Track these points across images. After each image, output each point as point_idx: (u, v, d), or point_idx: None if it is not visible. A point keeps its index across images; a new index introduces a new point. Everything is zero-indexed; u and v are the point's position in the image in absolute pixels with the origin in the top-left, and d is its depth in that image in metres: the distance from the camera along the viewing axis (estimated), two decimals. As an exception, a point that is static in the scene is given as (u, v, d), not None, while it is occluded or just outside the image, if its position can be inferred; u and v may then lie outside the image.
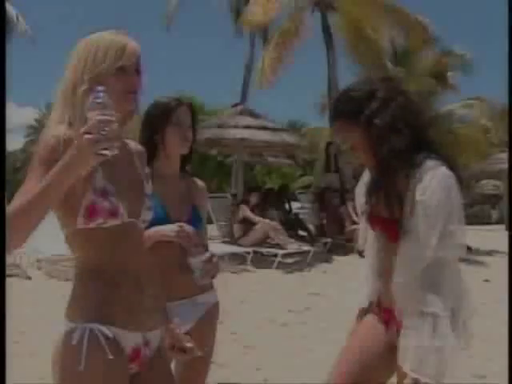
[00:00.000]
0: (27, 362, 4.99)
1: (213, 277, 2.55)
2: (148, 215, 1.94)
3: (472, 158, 20.89)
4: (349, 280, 8.11)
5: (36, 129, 45.81)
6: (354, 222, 13.18)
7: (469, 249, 14.70)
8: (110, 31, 1.89)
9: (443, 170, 2.10)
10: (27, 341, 5.68)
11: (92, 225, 1.78)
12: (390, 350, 2.23)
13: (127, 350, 1.83)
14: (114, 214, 1.80)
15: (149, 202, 1.95)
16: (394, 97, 2.19)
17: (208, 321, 2.71)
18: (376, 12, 16.41)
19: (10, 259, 8.42)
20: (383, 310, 2.39)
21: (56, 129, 1.79)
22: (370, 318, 2.44)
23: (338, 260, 11.70)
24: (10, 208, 1.63)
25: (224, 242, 11.40)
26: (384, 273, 2.32)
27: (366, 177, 2.47)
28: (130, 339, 1.84)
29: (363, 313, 2.51)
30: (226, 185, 20.98)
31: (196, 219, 2.67)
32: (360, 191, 2.48)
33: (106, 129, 1.56)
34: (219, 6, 24.92)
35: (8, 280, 8.61)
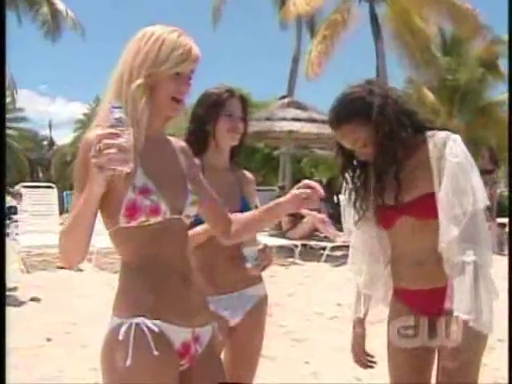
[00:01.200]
0: (78, 353, 5.09)
1: (265, 267, 2.55)
2: (192, 210, 1.92)
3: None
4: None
5: (85, 123, 46.76)
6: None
7: None
8: (175, 29, 1.85)
9: (456, 136, 2.25)
10: (79, 332, 5.79)
11: (134, 223, 1.77)
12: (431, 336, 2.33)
13: (176, 346, 1.82)
14: (155, 211, 1.78)
15: (192, 197, 1.92)
16: (386, 91, 2.31)
17: (257, 314, 2.70)
18: (423, 1, 16.15)
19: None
20: (406, 293, 2.40)
21: (93, 130, 1.76)
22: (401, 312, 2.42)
23: (387, 253, 11.55)
24: (61, 229, 1.72)
25: (272, 235, 11.40)
26: (402, 256, 2.37)
27: (349, 174, 2.54)
28: (178, 335, 1.83)
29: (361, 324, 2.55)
30: (273, 177, 20.94)
31: (245, 211, 2.66)
32: (349, 189, 2.53)
33: (106, 142, 1.56)
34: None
35: (59, 272, 8.86)
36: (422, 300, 2.35)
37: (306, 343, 5.61)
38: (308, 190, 2.03)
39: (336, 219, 12.85)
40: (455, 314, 2.12)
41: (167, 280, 1.83)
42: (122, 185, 1.73)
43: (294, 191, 2.05)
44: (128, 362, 1.71)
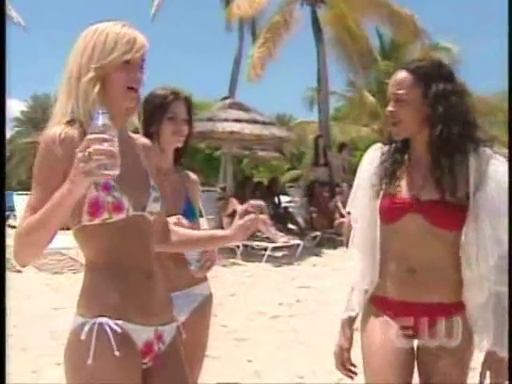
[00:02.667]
0: (19, 356, 4.98)
1: (209, 268, 2.57)
2: (156, 207, 1.93)
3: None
4: (338, 273, 8.16)
5: (22, 121, 45.51)
6: (343, 216, 13.25)
7: None
8: (117, 22, 1.87)
9: (504, 158, 2.18)
10: (19, 334, 5.66)
11: (97, 220, 1.77)
12: (411, 348, 2.26)
13: (139, 345, 1.82)
14: (118, 208, 1.79)
15: (156, 193, 1.93)
16: (462, 89, 2.25)
17: (202, 312, 2.72)
18: (363, 6, 16.45)
19: (-1, 253, 8.38)
20: (391, 303, 2.26)
21: (54, 127, 1.79)
22: (379, 328, 2.27)
23: (328, 253, 11.73)
24: (21, 226, 1.69)
25: (213, 236, 11.38)
26: (395, 258, 2.25)
27: (375, 155, 2.38)
28: (141, 334, 1.83)
29: (351, 323, 2.39)
30: (214, 178, 20.94)
31: (190, 212, 2.68)
32: (370, 171, 2.35)
33: (96, 147, 1.55)
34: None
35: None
36: (406, 313, 2.22)
37: (249, 342, 5.64)
38: (252, 216, 2.08)
39: (277, 220, 12.98)
40: (486, 345, 2.13)
41: (131, 278, 1.83)
42: None
43: (239, 223, 2.10)
44: (89, 362, 1.71)
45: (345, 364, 2.36)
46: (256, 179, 17.50)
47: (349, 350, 2.36)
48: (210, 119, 13.09)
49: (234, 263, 10.53)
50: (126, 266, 1.83)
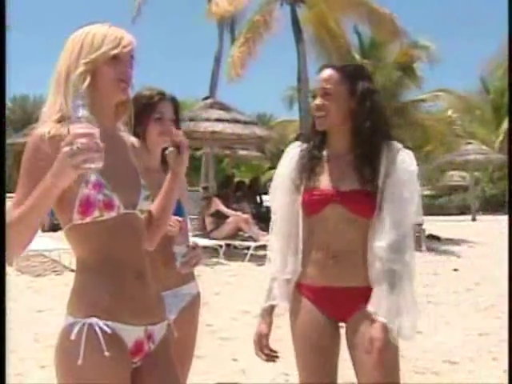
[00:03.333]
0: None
1: (195, 265, 2.58)
2: (146, 205, 1.94)
3: (438, 149, 21.20)
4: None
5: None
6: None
7: (437, 239, 14.96)
8: (103, 24, 1.90)
9: (409, 151, 2.41)
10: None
11: (88, 219, 1.78)
12: (335, 332, 2.42)
13: (129, 345, 1.83)
14: (108, 206, 1.80)
15: (146, 191, 1.94)
16: (378, 90, 2.52)
17: (191, 311, 2.73)
18: (342, 5, 16.52)
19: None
20: (319, 290, 2.40)
21: (42, 126, 1.80)
22: (306, 309, 2.43)
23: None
24: (8, 219, 1.69)
25: (196, 236, 11.39)
26: (318, 247, 2.39)
27: (295, 151, 2.54)
28: (131, 333, 1.84)
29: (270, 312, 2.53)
30: (196, 178, 20.91)
31: (178, 211, 2.68)
32: (290, 167, 2.51)
33: (83, 141, 1.56)
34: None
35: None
36: (329, 298, 2.37)
37: (234, 341, 5.66)
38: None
39: (259, 219, 13.05)
40: (377, 316, 2.22)
41: (121, 278, 1.84)
42: (75, 181, 1.72)
43: None
44: (79, 362, 1.72)
45: (263, 349, 2.49)
46: (237, 179, 17.54)
47: (267, 335, 2.50)
48: (191, 119, 13.10)
49: (217, 262, 10.55)
50: (116, 264, 1.84)
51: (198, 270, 2.79)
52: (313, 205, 2.41)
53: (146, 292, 1.89)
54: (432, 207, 24.32)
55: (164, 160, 2.75)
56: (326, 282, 2.38)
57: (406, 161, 2.35)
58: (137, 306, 1.85)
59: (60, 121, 1.81)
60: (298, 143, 2.57)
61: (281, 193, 2.51)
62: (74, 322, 1.78)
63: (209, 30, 22.66)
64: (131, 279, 1.86)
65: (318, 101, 2.39)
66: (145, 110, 2.62)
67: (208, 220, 11.62)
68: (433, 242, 14.13)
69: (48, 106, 1.86)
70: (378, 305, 2.24)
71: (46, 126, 1.80)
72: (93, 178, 1.78)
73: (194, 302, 2.76)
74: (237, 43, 16.44)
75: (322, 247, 2.39)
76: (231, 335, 5.86)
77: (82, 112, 1.62)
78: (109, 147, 1.68)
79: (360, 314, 2.30)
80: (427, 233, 13.73)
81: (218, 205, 11.46)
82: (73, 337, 1.75)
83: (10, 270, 9.11)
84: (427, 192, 29.14)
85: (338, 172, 2.40)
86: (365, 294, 2.29)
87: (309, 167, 2.43)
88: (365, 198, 2.32)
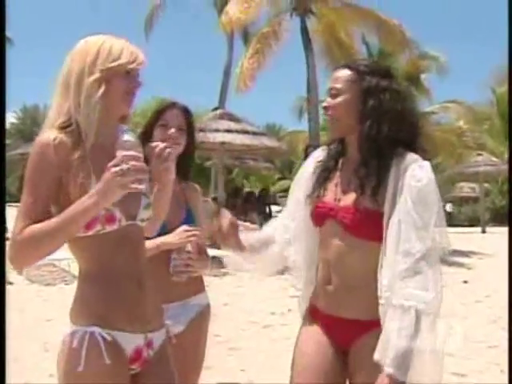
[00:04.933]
0: (11, 367, 4.96)
1: (187, 272, 2.56)
2: (146, 214, 1.96)
3: (448, 161, 21.12)
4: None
5: (11, 133, 45.21)
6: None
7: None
8: (113, 36, 1.90)
9: (428, 163, 2.01)
10: (10, 346, 5.64)
11: (90, 232, 1.81)
12: (338, 362, 2.12)
13: (128, 352, 1.86)
14: (110, 219, 1.82)
15: (147, 199, 1.96)
16: (399, 88, 2.13)
17: (200, 323, 2.71)
18: (352, 16, 16.57)
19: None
20: (324, 317, 2.15)
21: (47, 131, 1.81)
22: (312, 332, 2.20)
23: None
24: (21, 232, 1.71)
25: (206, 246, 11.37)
26: (325, 269, 2.13)
27: (309, 166, 2.30)
28: (131, 341, 1.86)
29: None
30: (205, 189, 20.93)
31: (190, 221, 2.69)
32: (306, 175, 2.28)
33: (133, 163, 1.67)
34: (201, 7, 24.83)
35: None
36: (332, 325, 2.12)
37: (242, 352, 5.66)
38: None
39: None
40: (382, 364, 1.86)
41: (122, 287, 1.87)
42: (77, 194, 1.75)
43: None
44: (80, 369, 1.75)
45: None
46: (247, 189, 17.55)
47: None
48: (201, 130, 13.14)
49: (225, 273, 10.54)
50: (116, 274, 1.86)
51: (207, 281, 2.79)
52: (315, 218, 2.19)
53: (145, 300, 1.91)
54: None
55: (178, 170, 2.69)
56: (328, 310, 2.13)
57: (416, 175, 1.95)
58: (137, 314, 1.88)
59: (66, 126, 1.82)
60: (323, 148, 2.31)
61: (296, 202, 2.31)
62: (76, 330, 1.81)
63: (219, 41, 22.70)
64: (131, 288, 1.88)
65: (325, 102, 2.14)
66: (151, 118, 2.65)
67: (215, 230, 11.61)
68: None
69: (54, 109, 1.86)
70: (383, 352, 1.87)
71: (51, 132, 1.80)
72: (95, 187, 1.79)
73: (204, 313, 2.74)
74: (246, 54, 16.49)
75: (324, 268, 2.16)
76: (239, 346, 5.86)
77: (128, 136, 1.74)
78: (108, 158, 1.71)
79: (361, 344, 2.04)
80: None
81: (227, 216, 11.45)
82: (74, 344, 1.78)
83: (19, 279, 9.17)
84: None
85: (344, 183, 2.12)
86: (369, 327, 2.01)
87: (321, 176, 2.19)
88: (366, 217, 2.00)
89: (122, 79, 1.86)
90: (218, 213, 2.30)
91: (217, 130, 13.12)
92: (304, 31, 16.48)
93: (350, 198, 2.06)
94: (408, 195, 1.93)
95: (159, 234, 2.40)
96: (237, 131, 13.22)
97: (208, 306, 2.78)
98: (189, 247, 2.59)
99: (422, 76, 19.79)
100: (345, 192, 2.10)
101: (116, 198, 1.70)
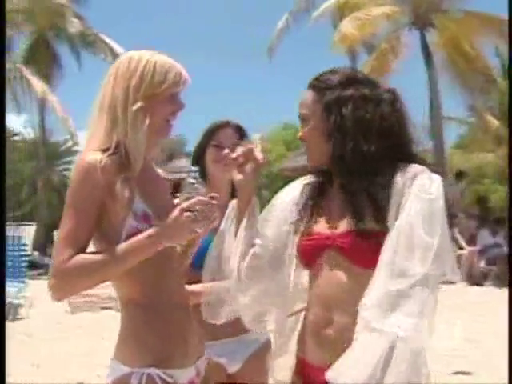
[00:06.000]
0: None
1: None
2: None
3: None
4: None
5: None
6: (462, 248, 12.68)
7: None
8: (157, 51, 1.80)
9: (439, 177, 1.70)
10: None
11: None
12: None
13: None
14: None
15: None
16: (371, 95, 1.76)
17: (259, 360, 2.43)
18: (476, 26, 15.77)
19: (106, 291, 8.52)
20: (323, 373, 1.62)
21: (92, 154, 1.71)
22: None
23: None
24: (70, 263, 1.64)
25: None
26: (319, 312, 1.76)
27: (295, 188, 1.96)
28: (186, 375, 1.78)
29: None
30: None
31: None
32: (290, 203, 1.92)
33: (204, 209, 1.67)
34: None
35: (103, 313, 8.89)
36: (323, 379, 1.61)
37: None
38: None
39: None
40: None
41: (171, 316, 1.77)
42: (118, 214, 1.69)
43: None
44: None
45: None
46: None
47: None
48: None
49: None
50: (164, 302, 1.77)
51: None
52: (306, 253, 1.83)
53: (191, 327, 1.82)
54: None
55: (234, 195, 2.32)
56: (330, 360, 1.61)
57: (425, 185, 1.66)
58: (188, 345, 1.79)
59: (109, 149, 1.72)
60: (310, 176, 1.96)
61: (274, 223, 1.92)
62: (131, 373, 1.69)
63: (339, 60, 22.43)
64: (181, 317, 1.79)
65: (299, 132, 1.85)
66: (203, 138, 2.51)
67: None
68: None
69: (97, 131, 1.76)
70: (337, 371, 1.54)
71: (97, 154, 1.70)
72: (139, 210, 1.71)
73: (263, 350, 2.48)
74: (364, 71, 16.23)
75: (320, 308, 1.77)
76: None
77: (196, 178, 1.76)
78: (149, 178, 1.72)
79: None
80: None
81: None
82: None
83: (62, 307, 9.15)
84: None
85: (336, 209, 1.79)
86: None
87: (308, 204, 1.86)
88: (367, 243, 1.67)
89: (166, 104, 1.77)
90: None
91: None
92: (424, 46, 15.94)
93: (345, 224, 1.74)
94: (414, 205, 1.62)
95: None
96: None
97: (268, 342, 2.47)
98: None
99: None
100: (339, 218, 1.77)
101: (182, 241, 1.71)
